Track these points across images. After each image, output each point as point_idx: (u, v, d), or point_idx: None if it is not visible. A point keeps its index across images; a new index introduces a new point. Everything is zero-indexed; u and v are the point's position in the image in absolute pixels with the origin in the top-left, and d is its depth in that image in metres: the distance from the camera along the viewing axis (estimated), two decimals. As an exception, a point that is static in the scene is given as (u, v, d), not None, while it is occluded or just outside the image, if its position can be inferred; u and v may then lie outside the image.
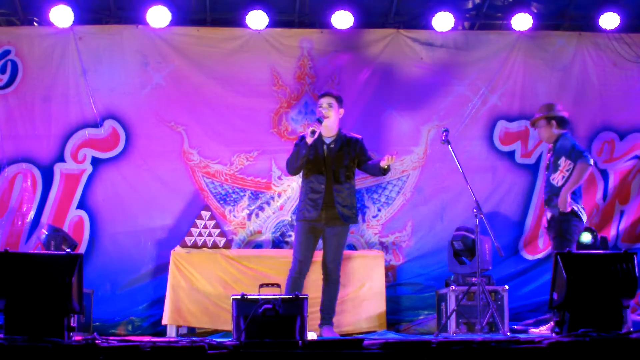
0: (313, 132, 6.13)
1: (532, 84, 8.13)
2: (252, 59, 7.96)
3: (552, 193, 6.50)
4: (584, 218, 6.44)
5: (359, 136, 6.51)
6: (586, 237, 7.45)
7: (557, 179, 6.48)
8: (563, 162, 6.45)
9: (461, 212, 7.70)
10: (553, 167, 6.50)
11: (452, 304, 6.90)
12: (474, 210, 6.44)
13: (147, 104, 7.84)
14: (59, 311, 4.48)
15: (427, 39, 8.08)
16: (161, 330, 7.17)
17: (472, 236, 7.01)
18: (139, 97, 7.83)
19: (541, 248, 7.98)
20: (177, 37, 7.92)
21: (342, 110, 6.43)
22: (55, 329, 4.43)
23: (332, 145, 6.33)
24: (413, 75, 8.10)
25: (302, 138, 6.28)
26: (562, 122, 6.57)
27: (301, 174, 6.42)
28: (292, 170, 6.34)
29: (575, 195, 6.40)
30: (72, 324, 4.56)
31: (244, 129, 7.92)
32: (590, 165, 6.30)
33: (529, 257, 7.91)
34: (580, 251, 4.98)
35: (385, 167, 6.18)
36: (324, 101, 6.33)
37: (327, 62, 8.06)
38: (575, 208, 6.34)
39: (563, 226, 6.32)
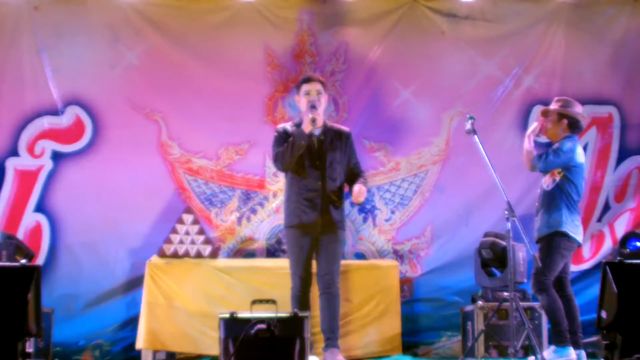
0: (314, 120, 6.24)
1: (575, 62, 8.12)
2: (242, 34, 7.95)
3: (541, 202, 6.57)
4: (579, 238, 6.51)
5: (347, 129, 6.62)
6: (633, 244, 7.46)
7: (547, 182, 6.55)
8: None
9: (490, 214, 7.72)
10: None
11: (479, 323, 6.90)
12: (505, 212, 6.39)
13: (117, 87, 7.82)
14: (11, 334, 4.45)
15: (450, 9, 8.07)
16: (135, 356, 7.15)
17: (503, 243, 7.00)
18: (107, 79, 7.81)
19: (587, 257, 7.94)
20: (153, 9, 7.90)
21: (327, 96, 6.57)
22: (7, 356, 4.38)
23: (322, 137, 6.42)
24: (433, 52, 8.10)
25: (285, 130, 6.42)
26: (573, 125, 6.63)
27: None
28: (286, 164, 6.37)
29: (570, 212, 6.46)
30: (27, 349, 4.51)
31: (232, 117, 7.91)
32: (535, 166, 6.51)
33: (572, 267, 7.85)
34: (635, 261, 4.91)
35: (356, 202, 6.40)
36: (312, 88, 6.44)
37: (331, 37, 8.06)
38: (564, 229, 6.42)
39: (556, 241, 6.42)
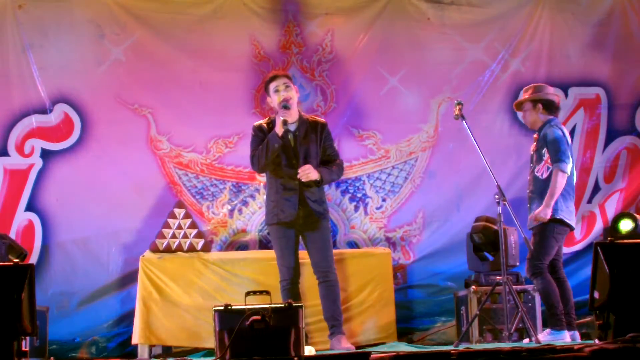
0: (285, 122, 6.25)
1: (562, 44, 8.16)
2: (228, 26, 7.95)
3: (535, 190, 6.59)
4: (572, 223, 6.58)
5: (323, 120, 6.61)
6: (626, 225, 7.47)
7: (541, 170, 6.58)
8: (547, 151, 6.56)
9: (480, 198, 7.77)
10: (537, 158, 6.62)
11: (473, 307, 6.92)
12: (496, 197, 6.43)
13: (104, 83, 7.79)
14: (6, 333, 4.42)
15: (435, -5, 8.10)
16: (131, 351, 7.17)
17: (495, 227, 7.01)
18: (94, 75, 7.78)
19: (578, 239, 7.98)
20: (138, 3, 7.88)
21: (296, 88, 6.54)
22: (3, 355, 4.37)
23: (297, 132, 6.41)
24: (419, 39, 8.12)
25: (261, 128, 6.42)
26: (549, 106, 6.68)
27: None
28: (262, 167, 6.42)
29: (564, 198, 6.49)
30: (23, 348, 4.50)
31: (221, 110, 7.91)
32: (566, 172, 6.43)
33: (564, 249, 7.88)
34: (626, 241, 4.93)
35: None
36: (280, 83, 6.41)
37: (317, 27, 8.07)
38: (559, 216, 6.46)
39: (549, 226, 6.46)
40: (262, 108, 7.90)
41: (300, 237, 6.43)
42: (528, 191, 6.71)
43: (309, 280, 6.58)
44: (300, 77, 7.90)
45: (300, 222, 6.33)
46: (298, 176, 6.23)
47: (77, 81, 7.74)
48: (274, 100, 6.43)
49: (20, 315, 4.42)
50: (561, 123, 6.85)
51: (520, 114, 7.36)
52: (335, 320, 6.32)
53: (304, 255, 6.50)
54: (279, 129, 6.23)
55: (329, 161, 6.49)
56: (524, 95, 6.79)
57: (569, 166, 6.45)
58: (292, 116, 6.37)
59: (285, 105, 6.30)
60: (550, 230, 6.44)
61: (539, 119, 6.67)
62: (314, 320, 6.76)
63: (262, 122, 6.53)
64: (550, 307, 6.38)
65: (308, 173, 6.23)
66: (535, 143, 6.71)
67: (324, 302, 6.36)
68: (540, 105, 6.65)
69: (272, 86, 6.43)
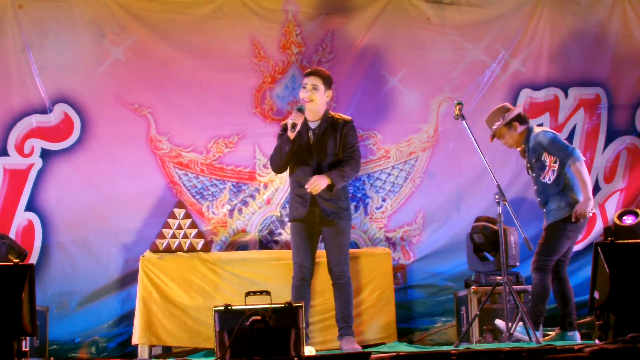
0: (294, 126, 6.19)
1: (562, 45, 8.14)
2: (228, 26, 7.95)
3: (545, 196, 6.61)
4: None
5: (348, 118, 6.50)
6: (628, 219, 7.50)
7: (547, 176, 6.59)
8: (546, 156, 6.58)
9: (481, 199, 7.77)
10: (538, 166, 6.63)
11: (473, 307, 6.92)
12: (496, 197, 6.43)
13: (104, 83, 7.78)
14: (7, 333, 4.43)
15: (434, -5, 8.09)
16: (131, 352, 7.17)
17: (495, 227, 7.01)
18: (94, 75, 7.77)
19: (578, 239, 7.95)
20: (138, 3, 7.86)
21: (329, 92, 6.43)
22: (3, 355, 4.37)
23: (317, 130, 6.38)
24: (419, 39, 8.12)
25: (285, 127, 6.36)
26: (522, 119, 6.72)
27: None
28: (277, 168, 6.45)
29: (572, 192, 6.51)
30: (23, 348, 4.50)
31: (221, 109, 7.91)
32: (583, 159, 6.48)
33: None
34: (626, 241, 4.93)
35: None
36: (309, 82, 6.35)
37: (317, 27, 8.05)
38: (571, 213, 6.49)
39: (561, 224, 6.48)
40: (262, 108, 7.91)
41: (321, 235, 6.41)
42: (538, 200, 6.69)
43: (312, 280, 6.55)
44: (300, 77, 7.88)
45: (318, 221, 6.32)
46: (308, 190, 6.18)
47: (77, 81, 7.73)
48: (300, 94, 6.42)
49: (20, 315, 4.42)
50: (560, 123, 6.84)
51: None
52: (344, 323, 6.34)
53: (321, 254, 6.51)
54: (289, 132, 6.21)
55: (346, 159, 6.36)
56: (493, 125, 6.73)
57: (580, 152, 6.51)
58: (313, 114, 6.32)
59: (300, 108, 6.28)
60: (562, 228, 6.46)
61: (520, 135, 6.70)
62: (314, 320, 6.80)
63: (288, 120, 6.46)
64: (533, 304, 6.42)
65: (315, 186, 6.16)
66: (526, 157, 6.72)
67: (336, 304, 6.39)
68: (515, 124, 6.67)
69: (304, 81, 6.40)
